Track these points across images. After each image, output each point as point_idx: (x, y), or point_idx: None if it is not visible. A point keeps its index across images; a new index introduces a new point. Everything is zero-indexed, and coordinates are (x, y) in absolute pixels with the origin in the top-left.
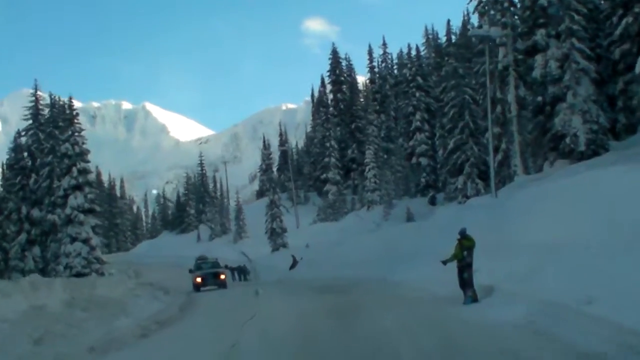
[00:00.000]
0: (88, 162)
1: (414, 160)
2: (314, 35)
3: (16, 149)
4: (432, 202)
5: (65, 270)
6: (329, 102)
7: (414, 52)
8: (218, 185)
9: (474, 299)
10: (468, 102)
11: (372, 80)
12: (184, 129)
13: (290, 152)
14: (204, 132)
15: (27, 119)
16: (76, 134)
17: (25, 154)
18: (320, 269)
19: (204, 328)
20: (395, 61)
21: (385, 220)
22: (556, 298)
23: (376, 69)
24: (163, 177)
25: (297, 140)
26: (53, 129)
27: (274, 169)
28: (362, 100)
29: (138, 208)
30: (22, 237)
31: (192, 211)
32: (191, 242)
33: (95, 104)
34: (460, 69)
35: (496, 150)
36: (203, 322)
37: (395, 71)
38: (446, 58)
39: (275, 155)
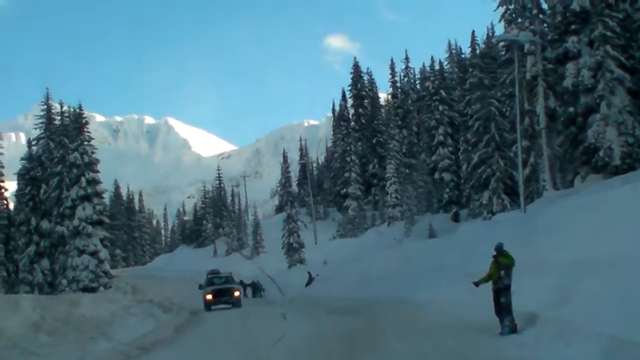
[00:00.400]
0: (97, 172)
1: (436, 175)
2: (335, 52)
3: (27, 158)
4: (455, 218)
5: (71, 284)
6: (350, 116)
7: (437, 66)
8: (237, 199)
9: (512, 329)
10: (494, 114)
11: (394, 95)
12: (206, 144)
13: (310, 167)
14: (226, 147)
15: (38, 128)
16: (85, 142)
17: (36, 163)
18: (336, 286)
19: (193, 356)
20: (417, 76)
21: (406, 237)
22: (627, 334)
23: (398, 84)
24: (185, 191)
25: (318, 156)
26: (63, 138)
27: (294, 184)
28: (383, 115)
29: (158, 222)
30: (31, 249)
31: (209, 225)
32: (207, 257)
33: (118, 118)
34: (486, 80)
35: (524, 164)
36: (195, 347)
37: (418, 86)
38: (470, 70)
39: (296, 170)
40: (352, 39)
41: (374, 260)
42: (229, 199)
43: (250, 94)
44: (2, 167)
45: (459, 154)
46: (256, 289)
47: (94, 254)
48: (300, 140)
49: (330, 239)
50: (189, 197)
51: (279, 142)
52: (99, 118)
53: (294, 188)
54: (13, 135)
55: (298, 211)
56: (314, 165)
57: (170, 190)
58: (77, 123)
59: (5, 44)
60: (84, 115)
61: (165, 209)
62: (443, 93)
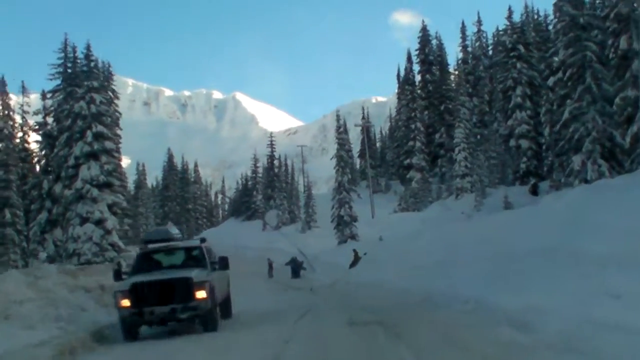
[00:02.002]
0: (107, 125)
1: (512, 142)
2: (402, 28)
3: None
4: (534, 191)
5: (71, 257)
6: (417, 83)
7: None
8: (297, 175)
9: None
10: (590, 60)
11: (464, 60)
12: (273, 119)
13: (373, 137)
14: (293, 123)
15: (54, 79)
16: (93, 91)
17: (51, 119)
18: (386, 270)
19: None
20: (490, 41)
21: (476, 211)
22: None
23: (469, 49)
24: (251, 167)
25: (383, 130)
26: (75, 88)
27: (355, 155)
28: (452, 82)
29: (216, 195)
30: (43, 216)
31: (260, 197)
32: (256, 231)
33: (187, 93)
34: (580, 19)
35: (628, 120)
36: None
37: (490, 51)
38: (557, 14)
39: (357, 144)
40: (421, 14)
41: (438, 237)
42: (289, 175)
43: (318, 71)
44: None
45: (541, 115)
46: (296, 267)
47: (99, 222)
48: (364, 109)
49: (390, 213)
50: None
51: (346, 118)
52: (168, 92)
53: (346, 154)
54: None
55: (351, 179)
56: (377, 137)
57: (236, 165)
58: (89, 67)
59: (78, 19)
60: (92, 57)
61: (223, 182)
62: (522, 49)
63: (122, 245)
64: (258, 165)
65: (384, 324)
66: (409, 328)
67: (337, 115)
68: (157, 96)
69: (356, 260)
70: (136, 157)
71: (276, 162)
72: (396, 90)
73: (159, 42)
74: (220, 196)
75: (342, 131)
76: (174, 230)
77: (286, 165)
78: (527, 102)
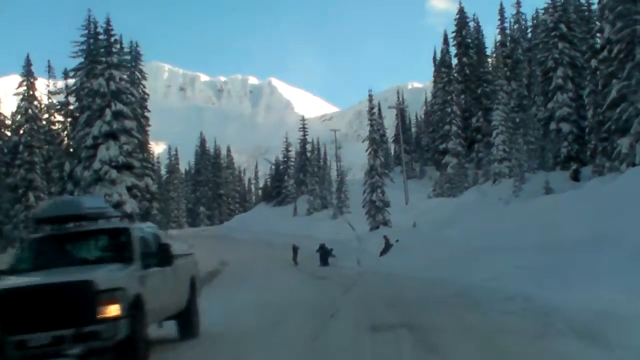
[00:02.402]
0: (127, 103)
1: (552, 126)
2: (439, 13)
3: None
4: (575, 177)
5: None
6: (453, 66)
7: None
8: (331, 161)
9: None
10: None
11: (502, 43)
12: (309, 105)
13: (408, 122)
14: (329, 109)
15: (77, 57)
16: (112, 68)
17: (73, 99)
18: (419, 259)
19: None
20: (529, 23)
21: (515, 197)
22: None
23: (507, 31)
24: (282, 151)
25: (419, 115)
26: (95, 65)
27: (386, 139)
28: (490, 65)
29: (249, 180)
30: None
31: (291, 182)
32: (286, 216)
33: (223, 78)
34: None
35: None
36: None
37: (529, 34)
38: None
39: (392, 130)
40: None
41: (475, 224)
42: (322, 160)
43: (354, 57)
44: None
45: (584, 97)
46: (325, 254)
47: (118, 205)
48: (399, 93)
49: (425, 199)
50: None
51: (382, 104)
52: (204, 77)
53: (378, 133)
54: None
55: (385, 164)
56: (412, 122)
57: (271, 151)
58: (110, 47)
59: (112, 3)
60: (113, 31)
61: (256, 167)
62: (563, 28)
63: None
64: (290, 149)
65: (414, 330)
66: (445, 337)
67: (370, 96)
68: (192, 81)
69: (387, 247)
70: (172, 142)
71: (309, 147)
72: (432, 74)
73: (195, 26)
74: (253, 182)
75: (374, 112)
76: (92, 203)
77: (318, 149)
78: (569, 84)
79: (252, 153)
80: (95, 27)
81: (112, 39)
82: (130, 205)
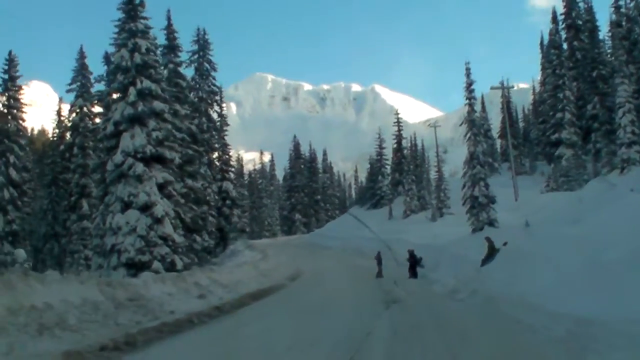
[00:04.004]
0: (158, 80)
1: None
2: (540, 12)
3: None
4: None
5: (109, 256)
6: (563, 51)
7: None
8: (419, 150)
9: None
10: None
11: (617, 23)
12: (413, 110)
13: (514, 115)
14: (433, 113)
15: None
16: (138, 36)
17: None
18: (535, 272)
19: None
20: None
21: None
22: None
23: (622, 9)
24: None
25: (526, 108)
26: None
27: (491, 134)
28: (604, 47)
29: (350, 185)
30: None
31: (386, 182)
32: (381, 220)
33: (326, 87)
34: None
35: None
36: None
37: None
38: None
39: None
40: None
41: (605, 220)
42: (419, 157)
43: (456, 60)
44: None
45: None
46: (414, 263)
47: (146, 208)
48: (503, 83)
49: (536, 195)
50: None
51: (487, 107)
52: (307, 87)
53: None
54: (224, 105)
55: (484, 146)
56: (520, 117)
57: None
58: (135, 11)
59: (218, 20)
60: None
61: (356, 171)
62: None
63: (177, 238)
64: (384, 146)
65: None
66: None
67: (466, 69)
68: (296, 91)
69: (491, 253)
70: (277, 152)
71: (405, 144)
72: (540, 61)
73: (297, 36)
74: (354, 186)
75: (472, 89)
76: None
77: (415, 146)
78: None
79: (357, 160)
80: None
81: (137, 1)
82: (161, 208)
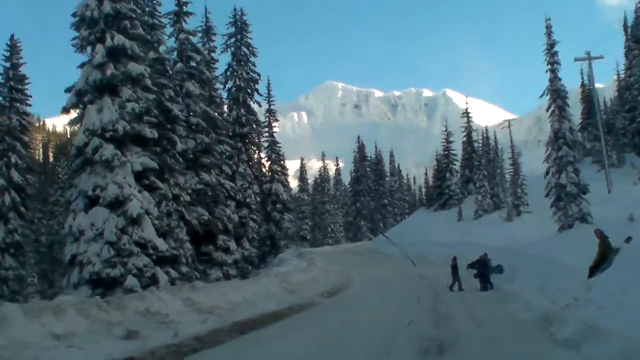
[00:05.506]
0: (136, 37)
1: None
2: (611, 9)
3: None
4: None
5: (70, 271)
6: None
7: None
8: (492, 144)
9: None
10: None
11: None
12: (486, 114)
13: (597, 101)
14: (507, 116)
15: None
16: None
17: None
18: None
19: None
20: None
21: None
22: None
23: None
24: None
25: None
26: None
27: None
28: None
29: (420, 189)
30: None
31: (454, 180)
32: (449, 222)
33: (397, 93)
34: None
35: None
36: None
37: None
38: None
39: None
40: None
41: None
42: (492, 152)
43: (528, 62)
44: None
45: None
46: (486, 272)
47: (117, 205)
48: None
49: (631, 187)
50: None
51: (565, 108)
52: (378, 94)
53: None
54: (296, 115)
55: (573, 129)
56: (602, 108)
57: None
58: None
59: (287, 32)
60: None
61: (425, 173)
62: None
63: (160, 244)
64: (452, 140)
65: None
66: None
67: (547, 27)
68: (367, 98)
69: (602, 258)
70: (349, 160)
71: (475, 136)
72: (624, 45)
73: (367, 44)
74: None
75: (555, 52)
76: None
77: (487, 138)
78: None
79: (429, 165)
80: None
81: None
82: (137, 204)
